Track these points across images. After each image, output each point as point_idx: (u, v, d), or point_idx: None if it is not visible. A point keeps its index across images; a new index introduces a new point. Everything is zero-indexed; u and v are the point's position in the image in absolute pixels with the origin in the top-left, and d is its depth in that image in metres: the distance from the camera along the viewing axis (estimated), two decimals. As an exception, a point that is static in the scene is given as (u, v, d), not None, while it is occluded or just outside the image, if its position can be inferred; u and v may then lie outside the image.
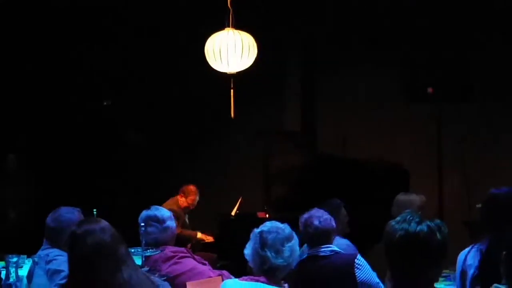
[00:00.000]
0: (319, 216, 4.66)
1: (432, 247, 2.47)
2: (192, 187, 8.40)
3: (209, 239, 8.38)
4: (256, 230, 3.78)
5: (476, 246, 4.08)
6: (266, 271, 3.69)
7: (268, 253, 3.68)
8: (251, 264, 3.76)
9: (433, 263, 2.50)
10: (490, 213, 4.04)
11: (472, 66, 8.22)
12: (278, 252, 3.69)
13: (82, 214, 4.43)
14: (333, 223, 4.69)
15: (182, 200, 8.33)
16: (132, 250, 3.74)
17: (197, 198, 8.40)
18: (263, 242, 3.71)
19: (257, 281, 3.66)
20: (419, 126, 8.62)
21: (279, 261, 3.69)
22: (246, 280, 3.70)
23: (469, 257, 4.10)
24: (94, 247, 3.08)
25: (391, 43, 8.72)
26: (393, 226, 2.52)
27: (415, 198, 5.39)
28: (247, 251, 3.75)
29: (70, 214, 4.42)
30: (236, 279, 3.79)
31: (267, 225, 3.79)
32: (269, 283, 3.64)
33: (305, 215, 4.70)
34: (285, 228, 3.79)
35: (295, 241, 3.79)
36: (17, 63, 9.37)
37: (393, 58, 8.74)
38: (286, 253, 3.70)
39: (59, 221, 4.37)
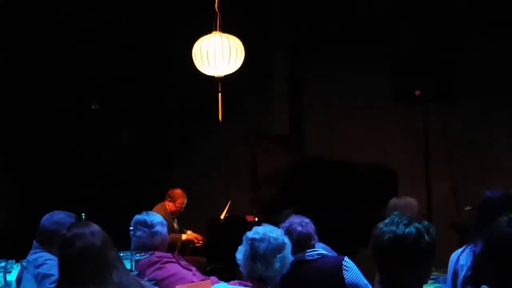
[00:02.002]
0: (300, 222, 4.59)
1: (421, 249, 2.47)
2: (178, 191, 8.33)
3: (198, 238, 8.30)
4: (249, 235, 3.71)
5: (469, 247, 4.10)
6: (255, 279, 3.67)
7: (259, 265, 3.64)
8: (242, 269, 3.73)
9: (422, 265, 2.50)
10: (484, 215, 4.03)
11: (461, 67, 8.23)
12: (268, 265, 3.64)
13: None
14: (313, 226, 4.65)
15: (170, 205, 8.24)
16: (122, 254, 3.73)
17: (185, 201, 8.32)
18: (254, 253, 3.65)
19: (246, 286, 3.65)
20: (407, 127, 8.63)
21: (269, 273, 3.65)
22: (234, 284, 3.69)
23: (461, 257, 4.12)
24: (84, 250, 3.08)
25: (379, 44, 8.73)
26: (381, 229, 2.53)
27: (413, 202, 5.32)
28: (239, 255, 3.70)
29: (68, 217, 4.39)
30: (225, 283, 3.78)
31: (259, 232, 3.71)
32: (258, 288, 3.63)
33: (285, 224, 4.58)
34: (277, 237, 3.73)
35: (288, 249, 3.75)
36: (4, 64, 9.31)
37: (381, 60, 8.73)
38: (277, 265, 3.65)
39: (57, 223, 4.31)
